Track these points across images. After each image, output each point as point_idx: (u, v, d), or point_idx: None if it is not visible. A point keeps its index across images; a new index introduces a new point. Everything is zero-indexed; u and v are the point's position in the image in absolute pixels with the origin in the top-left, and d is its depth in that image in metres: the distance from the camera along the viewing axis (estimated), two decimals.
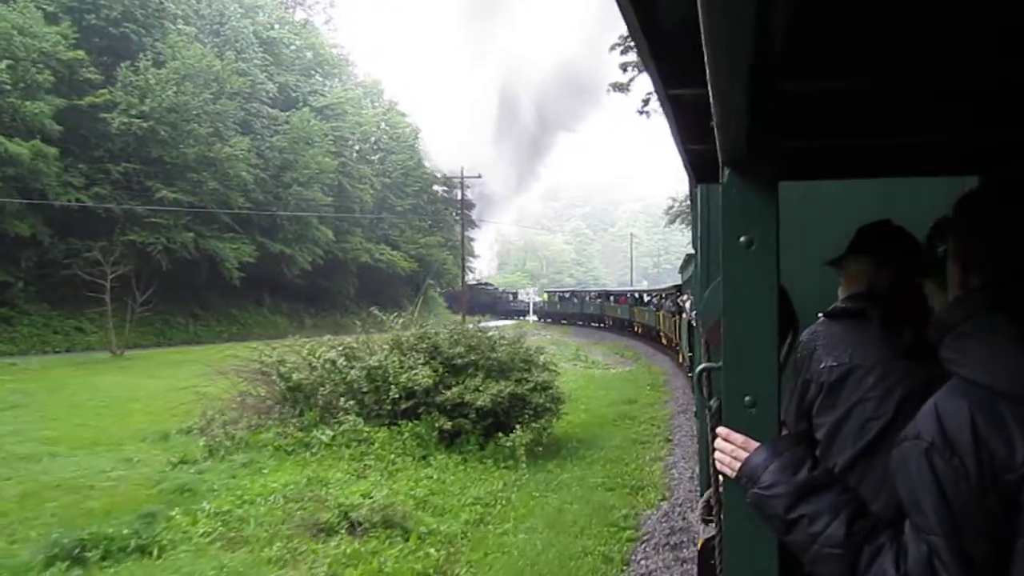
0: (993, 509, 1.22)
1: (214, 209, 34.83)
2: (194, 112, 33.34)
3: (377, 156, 60.08)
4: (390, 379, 11.06)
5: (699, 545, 3.49)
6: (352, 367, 11.53)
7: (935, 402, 1.32)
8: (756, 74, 1.21)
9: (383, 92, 63.02)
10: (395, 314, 13.01)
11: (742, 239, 1.52)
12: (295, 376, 11.21)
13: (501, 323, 56.27)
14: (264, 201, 39.90)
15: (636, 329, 37.88)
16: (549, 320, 57.57)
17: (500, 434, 11.30)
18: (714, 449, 1.66)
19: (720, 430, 1.63)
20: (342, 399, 10.78)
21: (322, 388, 11.07)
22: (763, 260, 1.52)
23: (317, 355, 11.50)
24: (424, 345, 12.02)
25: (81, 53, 31.40)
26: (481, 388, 11.57)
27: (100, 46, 33.95)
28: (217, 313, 39.90)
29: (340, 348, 11.89)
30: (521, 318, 62.98)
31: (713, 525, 2.15)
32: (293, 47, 50.60)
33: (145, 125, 31.88)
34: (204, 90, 34.09)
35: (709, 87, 1.22)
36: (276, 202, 40.60)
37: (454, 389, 11.51)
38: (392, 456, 10.27)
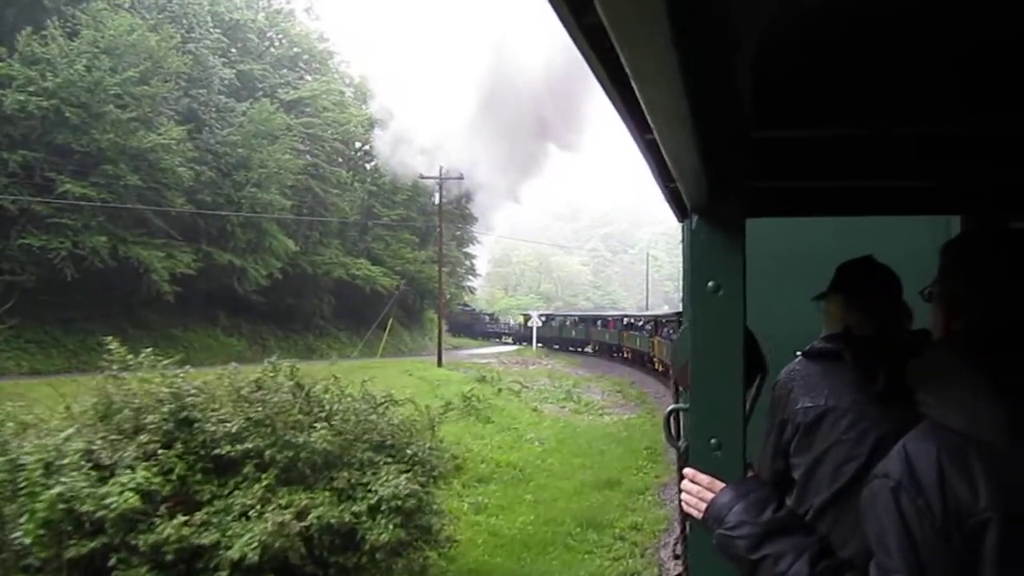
0: (956, 552, 1.22)
1: (120, 205, 28.52)
2: (112, 92, 27.61)
3: (371, 164, 54.43)
4: (23, 496, 5.07)
5: None
6: None
7: (904, 443, 1.32)
8: (706, 127, 1.14)
9: (376, 93, 57.10)
10: (148, 350, 7.01)
11: (710, 284, 1.52)
12: None
13: (497, 350, 50.59)
14: (213, 204, 34.05)
15: (625, 354, 37.16)
16: (556, 347, 51.33)
17: None
18: (680, 491, 1.66)
19: (686, 471, 1.63)
20: None
21: None
22: (730, 305, 1.52)
23: None
24: (158, 417, 6.01)
25: None
26: (253, 512, 5.55)
27: (11, 15, 28.54)
28: (154, 333, 33.93)
29: None
30: (500, 340, 61.99)
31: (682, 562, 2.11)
32: (268, 35, 45.14)
33: (46, 104, 26.22)
34: (130, 68, 28.39)
35: (660, 145, 1.19)
36: (228, 205, 34.71)
37: (196, 515, 5.49)
38: None
